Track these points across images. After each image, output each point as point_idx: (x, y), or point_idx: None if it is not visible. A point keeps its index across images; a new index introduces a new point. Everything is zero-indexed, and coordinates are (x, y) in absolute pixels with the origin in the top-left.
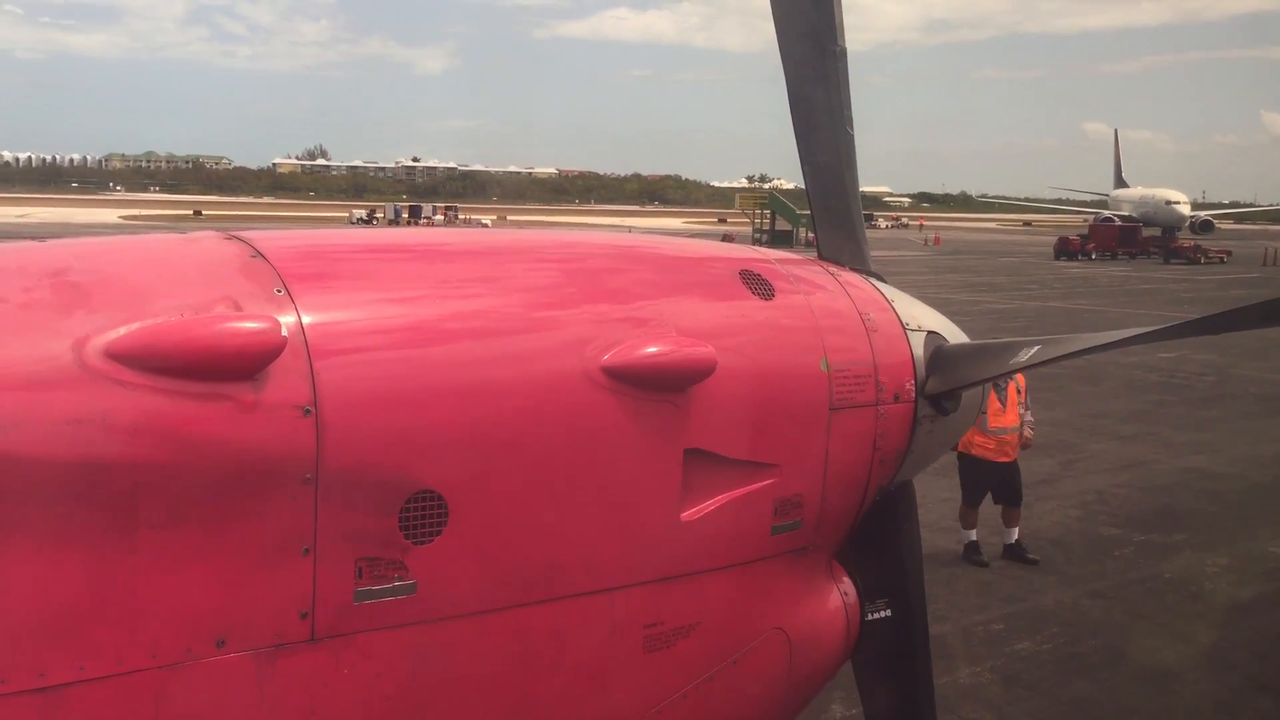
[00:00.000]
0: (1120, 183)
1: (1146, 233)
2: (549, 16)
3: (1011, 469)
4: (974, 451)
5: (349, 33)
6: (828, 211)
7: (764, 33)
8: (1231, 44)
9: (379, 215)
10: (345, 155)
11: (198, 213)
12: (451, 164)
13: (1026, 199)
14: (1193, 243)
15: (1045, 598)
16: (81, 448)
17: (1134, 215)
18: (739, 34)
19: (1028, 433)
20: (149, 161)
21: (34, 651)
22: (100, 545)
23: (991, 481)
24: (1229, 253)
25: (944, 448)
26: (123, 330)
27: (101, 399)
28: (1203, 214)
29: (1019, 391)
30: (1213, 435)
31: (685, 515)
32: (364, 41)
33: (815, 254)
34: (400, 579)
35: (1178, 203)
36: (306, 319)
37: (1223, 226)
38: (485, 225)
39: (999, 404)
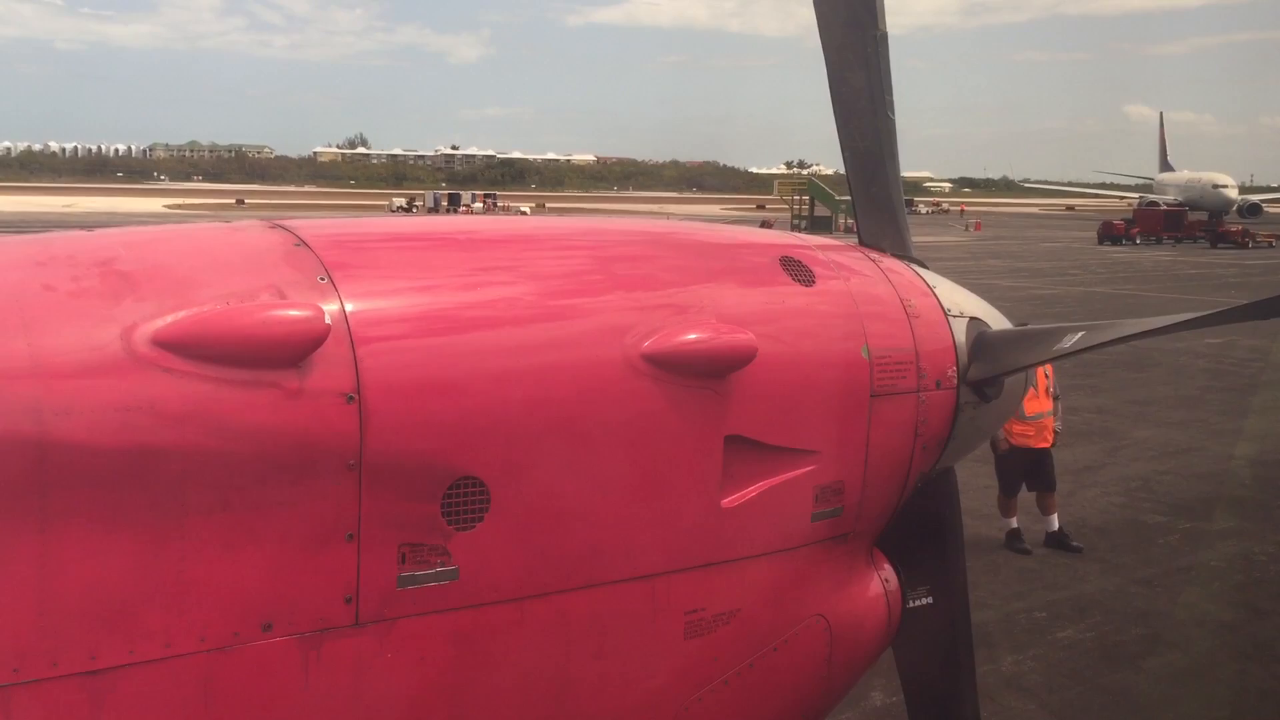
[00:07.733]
0: (1165, 166)
1: (1193, 217)
2: (582, 3)
3: (1044, 455)
4: (1014, 440)
5: (384, 21)
6: (868, 197)
7: (799, 17)
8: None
9: (418, 204)
10: (385, 144)
11: (241, 201)
12: (490, 151)
13: (1070, 183)
14: (1240, 227)
15: (1088, 586)
16: (130, 434)
17: (1180, 199)
18: (774, 19)
19: (1057, 424)
20: (192, 151)
21: (84, 635)
22: (148, 531)
23: (1025, 468)
24: (1278, 237)
25: (986, 434)
26: (169, 318)
27: (149, 386)
28: (1251, 198)
29: (1047, 376)
30: (1260, 421)
31: (726, 502)
32: (399, 30)
33: (856, 240)
34: (443, 564)
35: (1225, 186)
36: (349, 306)
37: (1271, 210)
38: (524, 213)
39: (1031, 389)
